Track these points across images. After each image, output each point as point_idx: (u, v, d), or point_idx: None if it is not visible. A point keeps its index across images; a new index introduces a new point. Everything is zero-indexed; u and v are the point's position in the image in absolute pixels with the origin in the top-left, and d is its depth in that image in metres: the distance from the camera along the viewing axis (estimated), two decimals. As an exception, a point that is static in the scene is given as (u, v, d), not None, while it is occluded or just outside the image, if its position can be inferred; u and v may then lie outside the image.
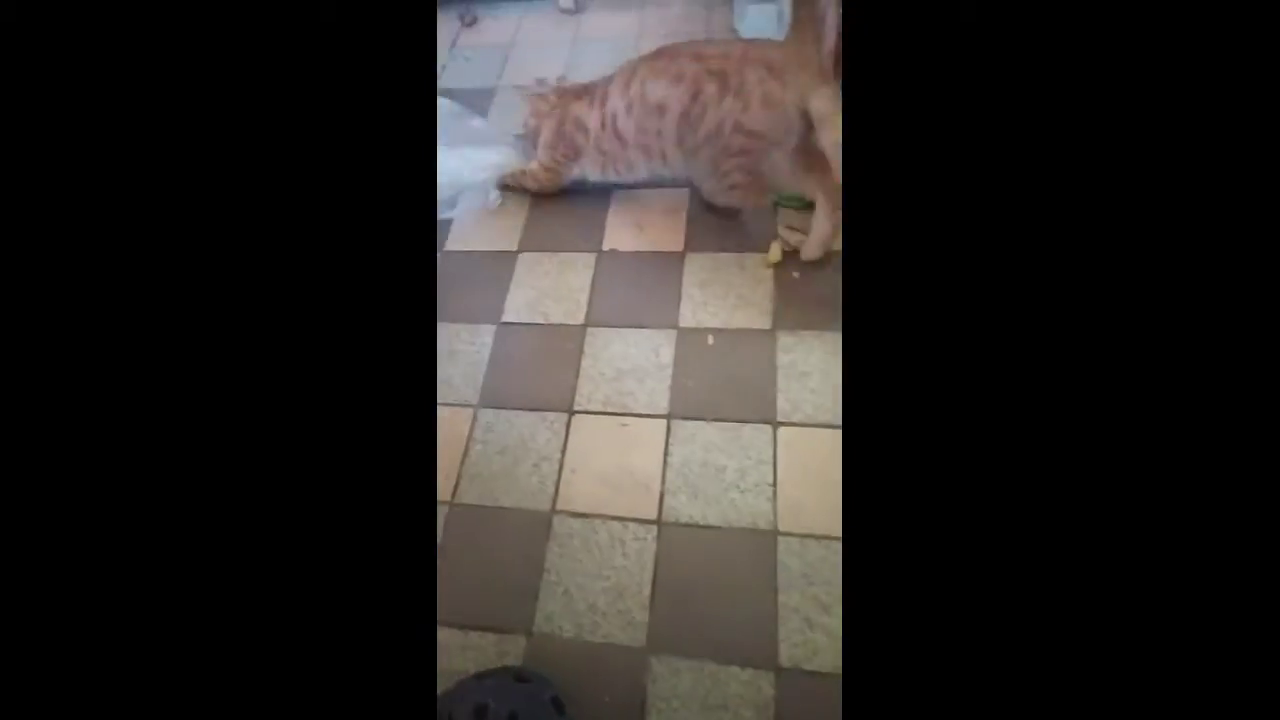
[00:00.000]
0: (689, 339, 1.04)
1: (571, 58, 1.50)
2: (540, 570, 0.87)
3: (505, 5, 1.63)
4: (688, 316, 1.06)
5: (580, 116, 1.08)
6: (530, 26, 1.59)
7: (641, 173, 1.09)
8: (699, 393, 0.99)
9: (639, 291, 1.10)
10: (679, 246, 1.14)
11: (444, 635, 0.84)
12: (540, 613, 0.84)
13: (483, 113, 1.40)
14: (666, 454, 0.94)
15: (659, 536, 0.88)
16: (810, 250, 1.06)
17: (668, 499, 0.91)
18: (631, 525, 0.89)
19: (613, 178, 1.13)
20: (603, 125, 1.06)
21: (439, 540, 0.91)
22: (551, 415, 1.00)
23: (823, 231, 1.04)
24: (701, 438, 0.95)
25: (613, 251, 1.16)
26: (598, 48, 1.51)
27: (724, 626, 0.81)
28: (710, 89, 0.95)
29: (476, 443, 0.99)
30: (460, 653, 0.82)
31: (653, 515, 0.90)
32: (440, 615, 0.83)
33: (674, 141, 1.02)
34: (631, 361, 1.03)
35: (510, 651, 0.82)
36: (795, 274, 1.07)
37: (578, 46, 1.53)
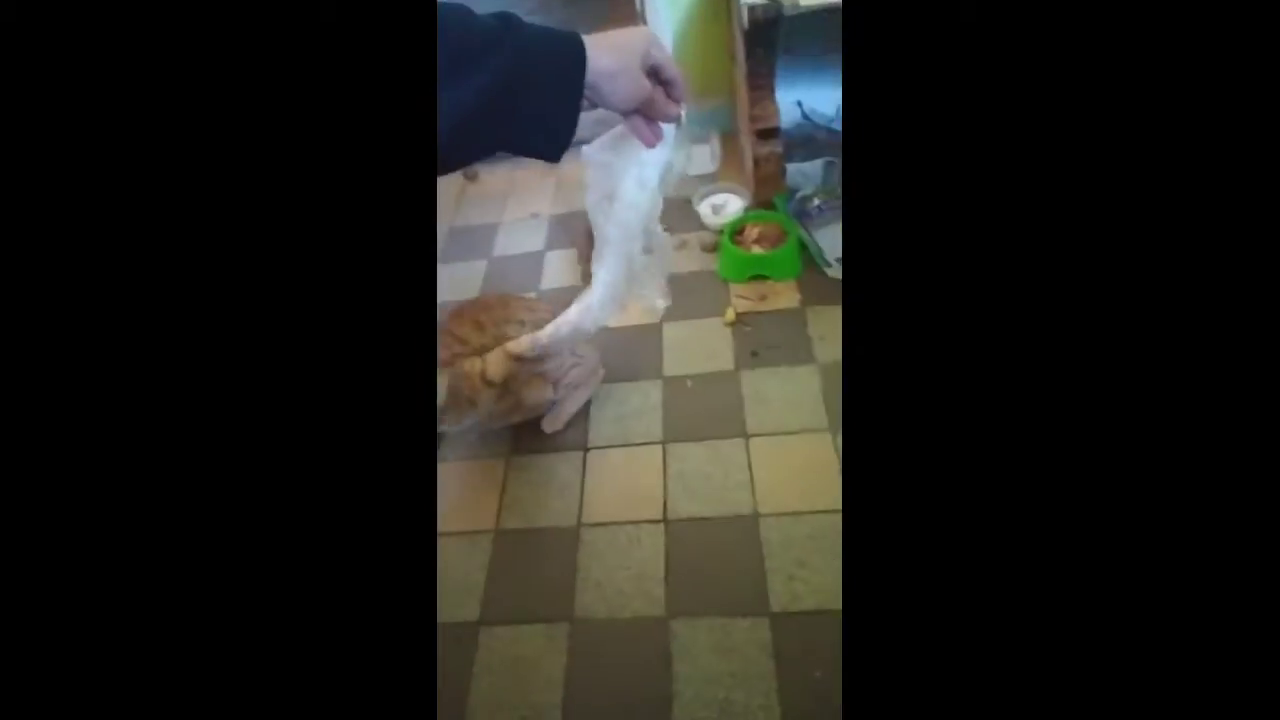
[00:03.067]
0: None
1: (556, 196, 1.90)
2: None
3: (500, 161, 2.05)
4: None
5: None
6: (521, 176, 2.00)
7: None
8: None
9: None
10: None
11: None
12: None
13: (491, 242, 1.76)
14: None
15: (666, 533, 1.11)
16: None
17: (670, 503, 1.15)
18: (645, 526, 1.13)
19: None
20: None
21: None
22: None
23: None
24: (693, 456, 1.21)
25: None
26: (574, 188, 1.91)
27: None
28: None
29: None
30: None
31: (658, 516, 1.14)
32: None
33: None
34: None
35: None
36: (746, 328, 1.40)
37: (560, 189, 1.93)
